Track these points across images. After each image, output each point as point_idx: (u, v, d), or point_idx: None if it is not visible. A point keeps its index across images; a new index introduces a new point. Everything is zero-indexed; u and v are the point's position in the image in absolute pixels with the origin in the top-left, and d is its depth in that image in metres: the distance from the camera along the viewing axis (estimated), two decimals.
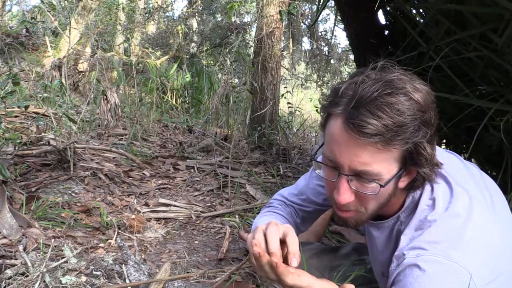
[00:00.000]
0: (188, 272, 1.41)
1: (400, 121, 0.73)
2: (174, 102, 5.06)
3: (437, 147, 0.85)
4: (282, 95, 4.08)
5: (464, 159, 1.03)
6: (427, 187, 0.86)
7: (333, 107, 0.79)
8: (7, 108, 2.68)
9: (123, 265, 1.32)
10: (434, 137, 0.80)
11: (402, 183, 0.84)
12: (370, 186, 0.79)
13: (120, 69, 5.59)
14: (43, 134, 2.25)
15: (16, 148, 1.94)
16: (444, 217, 0.80)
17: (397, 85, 0.75)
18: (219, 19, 8.25)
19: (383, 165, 0.77)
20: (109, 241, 1.59)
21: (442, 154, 0.93)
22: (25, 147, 2.08)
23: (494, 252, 0.79)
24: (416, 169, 0.81)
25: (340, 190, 0.80)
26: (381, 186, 0.78)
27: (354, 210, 0.84)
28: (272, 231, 0.81)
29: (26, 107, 1.92)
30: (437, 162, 0.82)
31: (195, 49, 7.86)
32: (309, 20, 7.40)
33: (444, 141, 2.03)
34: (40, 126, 2.34)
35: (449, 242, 0.76)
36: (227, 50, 6.74)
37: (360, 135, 0.73)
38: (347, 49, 7.33)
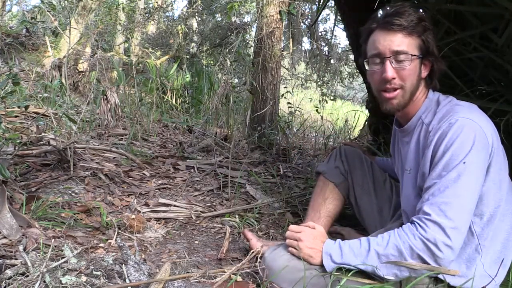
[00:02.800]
0: (188, 272, 1.41)
1: (414, 20, 1.17)
2: (174, 102, 5.05)
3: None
4: (282, 95, 4.08)
5: None
6: (442, 96, 1.26)
7: (371, 25, 1.25)
8: (7, 108, 2.68)
9: (123, 265, 1.32)
10: (435, 42, 1.23)
11: (424, 73, 1.24)
12: (405, 62, 1.18)
13: (120, 69, 5.59)
14: (43, 134, 2.25)
15: (16, 148, 1.94)
16: (460, 105, 1.18)
17: (407, 6, 1.21)
18: (219, 19, 8.25)
19: (410, 47, 1.18)
20: (109, 241, 1.59)
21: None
22: (25, 147, 2.08)
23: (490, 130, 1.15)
24: (430, 62, 1.23)
25: (386, 68, 1.18)
26: (412, 56, 1.17)
27: (398, 87, 1.20)
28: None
29: (26, 107, 1.92)
30: (441, 60, 1.25)
31: (195, 49, 7.85)
32: (309, 20, 7.40)
33: None
34: (40, 126, 2.34)
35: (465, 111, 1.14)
36: (227, 50, 6.74)
37: (392, 27, 1.18)
38: (347, 49, 7.33)
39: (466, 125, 1.09)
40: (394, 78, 1.19)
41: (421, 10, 1.26)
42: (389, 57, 1.18)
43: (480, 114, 1.18)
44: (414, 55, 1.18)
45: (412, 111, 1.28)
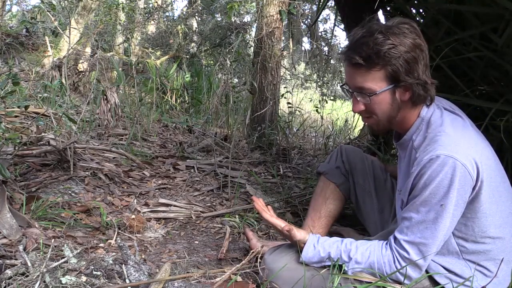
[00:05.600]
0: (188, 272, 1.41)
1: (375, 53, 1.08)
2: (174, 102, 5.06)
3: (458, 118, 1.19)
4: (282, 95, 4.08)
5: None
6: (436, 115, 1.17)
7: (341, 53, 1.20)
8: (7, 108, 2.68)
9: (123, 265, 1.32)
10: (416, 63, 1.10)
11: (404, 97, 1.15)
12: (369, 97, 1.14)
13: (120, 69, 5.59)
14: (43, 134, 2.25)
15: (16, 148, 1.94)
16: (446, 133, 1.11)
17: (373, 29, 1.11)
18: (219, 19, 8.25)
19: (373, 83, 1.13)
20: (109, 241, 1.59)
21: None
22: (25, 147, 2.08)
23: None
24: (408, 85, 1.12)
25: (353, 102, 1.20)
26: (369, 95, 1.14)
27: (369, 117, 1.20)
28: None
29: (26, 107, 1.92)
30: (425, 80, 1.12)
31: (195, 49, 7.85)
32: (309, 20, 7.40)
33: None
34: (40, 126, 2.34)
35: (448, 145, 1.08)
36: (227, 50, 6.73)
37: (350, 66, 1.15)
38: None
39: (446, 164, 1.05)
40: (361, 111, 1.19)
41: (387, 24, 1.12)
42: (353, 92, 1.18)
43: (467, 144, 1.10)
44: (374, 93, 1.13)
45: (402, 129, 1.24)
